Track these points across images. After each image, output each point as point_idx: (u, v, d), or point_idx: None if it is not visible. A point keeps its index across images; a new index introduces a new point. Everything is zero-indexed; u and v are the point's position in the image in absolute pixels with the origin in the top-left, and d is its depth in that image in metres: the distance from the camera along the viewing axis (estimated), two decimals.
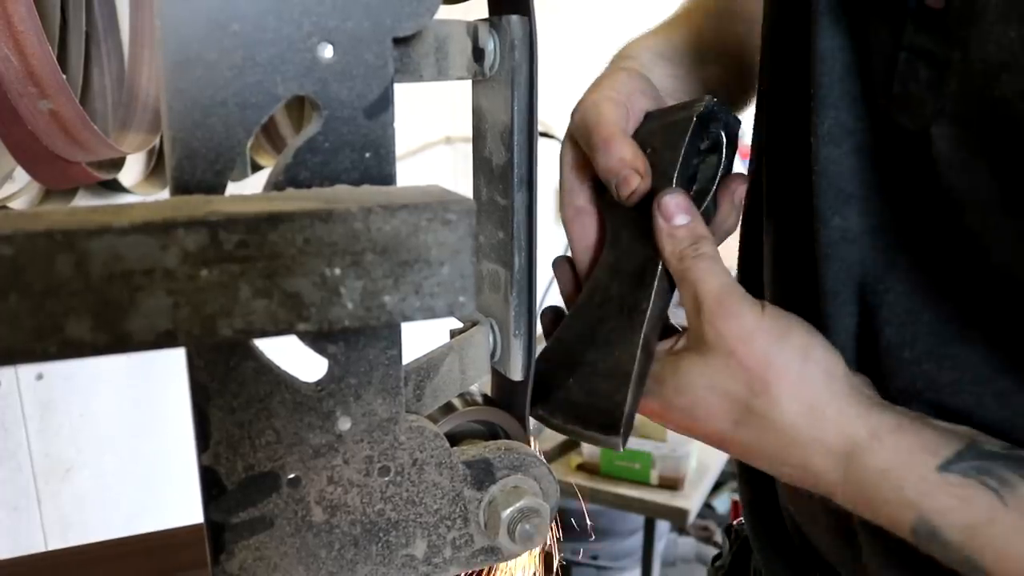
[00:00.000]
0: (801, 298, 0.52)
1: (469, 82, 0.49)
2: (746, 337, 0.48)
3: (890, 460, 0.45)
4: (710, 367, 0.49)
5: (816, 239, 0.50)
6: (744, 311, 0.49)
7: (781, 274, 0.56)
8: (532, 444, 0.53)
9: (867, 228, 0.49)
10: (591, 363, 0.54)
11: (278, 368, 0.40)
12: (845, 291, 0.50)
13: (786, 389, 0.47)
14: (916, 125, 0.44)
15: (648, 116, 0.57)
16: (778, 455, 0.49)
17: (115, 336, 0.30)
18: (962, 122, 0.42)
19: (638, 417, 0.53)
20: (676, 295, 0.54)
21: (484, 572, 0.66)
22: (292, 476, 0.42)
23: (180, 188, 0.37)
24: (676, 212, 0.52)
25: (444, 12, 0.40)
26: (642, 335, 0.52)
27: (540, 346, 0.53)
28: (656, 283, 0.53)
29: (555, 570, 0.77)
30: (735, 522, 0.79)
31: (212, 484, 0.41)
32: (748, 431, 0.49)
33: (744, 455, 0.52)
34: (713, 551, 3.09)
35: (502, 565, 0.69)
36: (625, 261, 0.56)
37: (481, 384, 0.54)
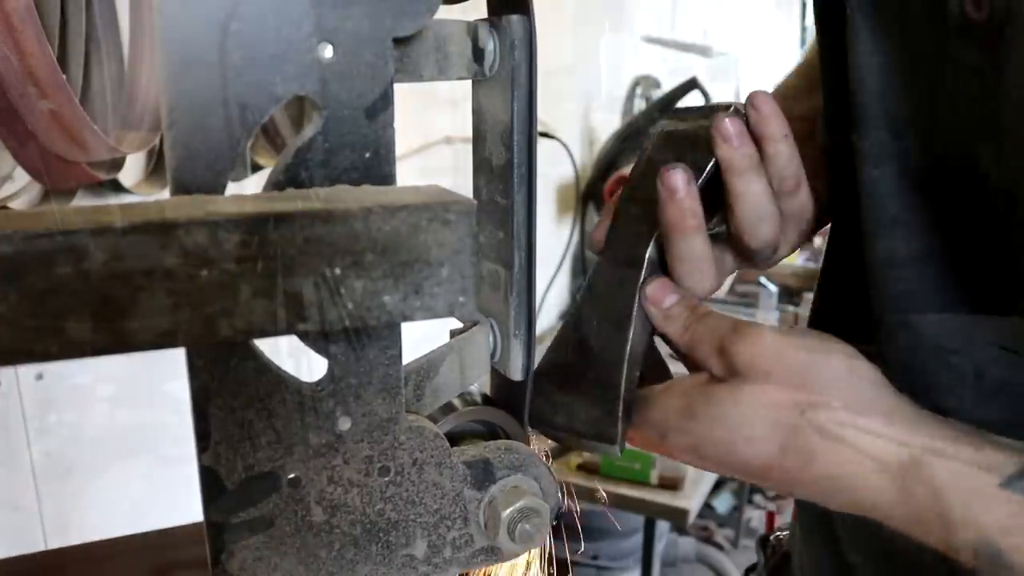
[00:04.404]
0: (850, 323, 0.50)
1: (469, 82, 0.49)
2: (778, 356, 0.46)
3: (950, 475, 0.42)
4: (747, 393, 0.46)
5: (865, 263, 0.49)
6: (765, 332, 0.47)
7: (831, 298, 0.55)
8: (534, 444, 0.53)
9: (914, 254, 0.47)
10: (584, 373, 0.53)
11: (278, 368, 0.40)
12: (892, 317, 0.48)
13: (834, 403, 0.45)
14: (963, 143, 0.43)
15: (675, 112, 0.57)
16: (828, 478, 0.45)
17: (115, 336, 0.30)
18: (1009, 140, 0.40)
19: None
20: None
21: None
22: (292, 476, 0.42)
23: (180, 188, 0.37)
24: (663, 296, 0.52)
25: (444, 12, 0.40)
26: (628, 343, 0.52)
27: (540, 346, 0.53)
28: (639, 291, 0.53)
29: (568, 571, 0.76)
30: (771, 536, 0.77)
31: (212, 484, 0.41)
32: (796, 455, 0.45)
33: (792, 484, 0.47)
34: (713, 551, 3.09)
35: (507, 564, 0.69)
36: (616, 271, 0.55)
37: (481, 384, 0.54)
